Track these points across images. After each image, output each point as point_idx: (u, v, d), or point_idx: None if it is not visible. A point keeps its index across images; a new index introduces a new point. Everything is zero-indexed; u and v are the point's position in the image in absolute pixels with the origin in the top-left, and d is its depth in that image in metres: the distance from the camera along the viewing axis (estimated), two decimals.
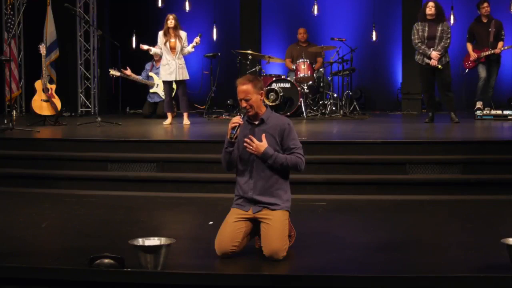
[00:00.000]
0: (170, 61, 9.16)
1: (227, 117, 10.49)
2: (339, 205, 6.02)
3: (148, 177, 6.78)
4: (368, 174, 6.63)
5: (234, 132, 4.26)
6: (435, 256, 4.35)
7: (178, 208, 6.06)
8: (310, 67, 10.46)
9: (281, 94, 10.04)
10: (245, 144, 4.24)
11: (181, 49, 9.17)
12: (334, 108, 10.52)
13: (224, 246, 4.20)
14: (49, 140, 7.84)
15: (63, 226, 5.35)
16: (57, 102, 9.62)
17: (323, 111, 10.47)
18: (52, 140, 7.86)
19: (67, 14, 10.44)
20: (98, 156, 7.14)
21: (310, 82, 10.53)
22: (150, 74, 10.88)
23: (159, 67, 9.78)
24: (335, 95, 10.73)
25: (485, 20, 10.04)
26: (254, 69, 10.46)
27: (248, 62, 10.68)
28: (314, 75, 10.62)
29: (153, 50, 9.47)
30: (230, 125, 4.28)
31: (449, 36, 8.88)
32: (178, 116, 10.09)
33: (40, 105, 9.54)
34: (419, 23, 8.99)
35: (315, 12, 12.24)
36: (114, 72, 10.55)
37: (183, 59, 9.25)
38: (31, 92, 9.87)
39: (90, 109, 12.00)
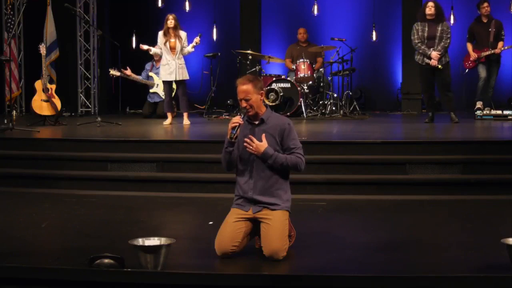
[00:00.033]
0: (170, 61, 9.16)
1: (227, 117, 10.49)
2: (339, 205, 6.02)
3: (148, 177, 6.77)
4: (368, 174, 6.63)
5: (234, 132, 4.26)
6: (435, 256, 4.35)
7: (178, 208, 6.06)
8: (310, 67, 10.46)
9: (281, 94, 10.04)
10: (245, 144, 4.24)
11: (181, 49, 9.17)
12: (334, 108, 10.52)
13: (224, 246, 4.20)
14: (49, 140, 7.84)
15: (63, 226, 5.34)
16: (57, 102, 9.62)
17: (323, 111, 10.47)
18: (52, 140, 7.87)
19: (67, 14, 10.44)
20: (98, 156, 7.14)
21: (310, 82, 10.53)
22: (150, 74, 10.88)
23: (159, 67, 9.78)
24: (335, 95, 10.73)
25: (485, 20, 10.03)
26: (254, 69, 10.46)
27: (248, 62, 10.68)
28: (314, 75, 10.62)
29: (153, 50, 9.47)
30: (230, 125, 4.28)
31: (449, 36, 8.89)
32: (178, 116, 10.09)
33: (40, 105, 9.54)
34: (419, 23, 8.99)
35: (315, 12, 12.24)
36: (114, 72, 10.55)
37: (183, 59, 9.25)
38: (31, 92, 9.88)
39: (90, 109, 12.00)
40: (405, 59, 11.88)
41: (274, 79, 10.27)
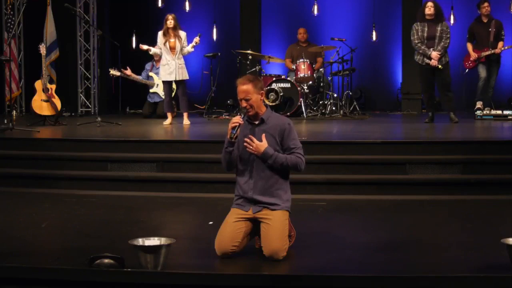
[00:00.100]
0: (170, 61, 9.16)
1: (227, 117, 10.49)
2: (339, 205, 6.02)
3: (148, 177, 6.77)
4: (368, 174, 6.63)
5: (234, 132, 4.26)
6: (435, 256, 4.35)
7: (178, 208, 6.06)
8: (310, 67, 10.46)
9: (281, 94, 10.04)
10: (245, 144, 4.24)
11: (181, 49, 9.17)
12: (334, 108, 10.52)
13: (224, 246, 4.20)
14: (49, 140, 7.84)
15: (63, 226, 5.34)
16: (57, 102, 9.62)
17: (323, 111, 10.47)
18: (52, 140, 7.87)
19: (67, 14, 10.44)
20: (98, 156, 7.14)
21: (310, 82, 10.53)
22: (150, 74, 10.88)
23: (159, 67, 9.78)
24: (335, 95, 10.73)
25: (485, 20, 10.03)
26: (254, 69, 10.46)
27: (248, 62, 10.68)
28: (314, 75, 10.62)
29: (153, 50, 9.47)
30: (230, 125, 4.28)
31: (448, 36, 8.89)
32: (178, 116, 10.09)
33: (40, 105, 9.54)
34: (418, 23, 8.99)
35: (315, 12, 12.24)
36: (114, 72, 10.55)
37: (182, 59, 9.25)
38: (31, 92, 9.88)
39: (90, 109, 12.00)
40: (405, 59, 11.88)
41: (274, 79, 10.27)
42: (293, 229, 4.46)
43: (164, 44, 9.16)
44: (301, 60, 10.47)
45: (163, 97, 9.98)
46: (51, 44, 10.63)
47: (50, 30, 10.75)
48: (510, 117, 9.71)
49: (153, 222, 5.53)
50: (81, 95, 12.03)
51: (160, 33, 9.25)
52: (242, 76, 4.64)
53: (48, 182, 6.81)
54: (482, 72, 10.02)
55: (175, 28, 9.19)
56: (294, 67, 10.68)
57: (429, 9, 8.90)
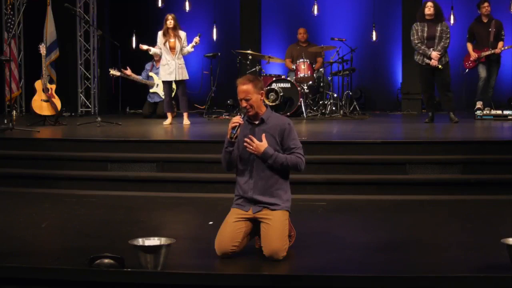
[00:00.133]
0: (170, 61, 9.16)
1: (227, 117, 10.49)
2: (339, 205, 6.02)
3: (148, 177, 6.77)
4: (368, 174, 6.62)
5: (234, 132, 4.26)
6: (435, 256, 4.35)
7: (178, 208, 6.06)
8: (310, 67, 10.46)
9: (281, 94, 10.04)
10: (245, 144, 4.24)
11: (181, 49, 9.17)
12: (334, 108, 10.52)
13: (224, 246, 4.20)
14: (49, 140, 7.84)
15: (63, 226, 5.34)
16: (57, 102, 9.62)
17: (323, 111, 10.47)
18: (52, 140, 7.87)
19: (67, 14, 10.44)
20: (98, 156, 7.14)
21: (310, 82, 10.53)
22: (150, 74, 10.88)
23: (159, 67, 9.78)
24: (335, 95, 10.73)
25: (485, 20, 10.03)
26: (254, 69, 10.46)
27: (248, 62, 10.68)
28: (314, 75, 10.62)
29: (153, 50, 9.47)
30: (230, 125, 4.28)
31: (448, 36, 8.89)
32: (178, 116, 10.09)
33: (40, 105, 9.54)
34: (418, 23, 8.99)
35: (315, 12, 12.24)
36: (114, 72, 10.55)
37: (182, 59, 9.25)
38: (31, 92, 9.88)
39: (90, 109, 12.00)
40: (405, 59, 11.88)
41: (274, 79, 10.27)
42: (293, 229, 4.46)
43: (164, 44, 9.16)
44: (301, 60, 10.47)
45: (163, 97, 9.98)
46: (51, 44, 10.63)
47: (50, 30, 10.75)
48: (510, 117, 9.71)
49: (153, 222, 5.53)
50: (81, 95, 12.03)
51: (160, 33, 9.25)
52: (242, 76, 4.64)
53: (48, 182, 6.81)
54: (482, 72, 10.02)
55: (175, 28, 9.19)
56: (294, 67, 10.68)
57: (429, 9, 8.90)
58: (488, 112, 9.85)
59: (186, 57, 9.38)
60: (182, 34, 9.25)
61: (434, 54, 8.82)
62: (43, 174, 6.94)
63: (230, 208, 4.39)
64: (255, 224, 4.29)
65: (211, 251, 4.24)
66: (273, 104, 9.89)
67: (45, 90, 9.56)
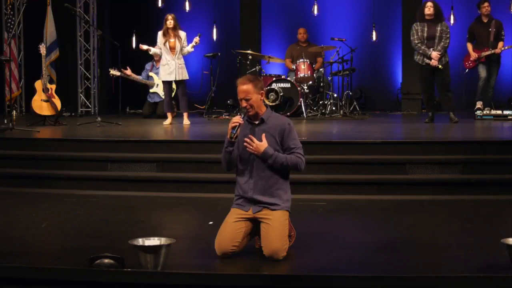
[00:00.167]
0: (170, 61, 9.16)
1: (227, 117, 10.49)
2: (339, 205, 6.02)
3: (148, 177, 6.77)
4: (368, 174, 6.62)
5: (234, 132, 4.26)
6: (435, 256, 4.35)
7: (178, 208, 6.06)
8: (310, 67, 10.46)
9: (281, 94, 10.04)
10: (245, 143, 4.24)
11: (181, 49, 9.17)
12: (334, 108, 10.52)
13: (224, 246, 4.20)
14: (49, 140, 7.84)
15: (63, 226, 5.34)
16: (57, 102, 9.62)
17: (323, 111, 10.47)
18: (52, 140, 7.87)
19: (67, 14, 10.44)
20: (98, 156, 7.14)
21: (310, 82, 10.53)
22: (150, 74, 10.88)
23: (159, 67, 9.78)
24: (335, 95, 10.73)
25: (485, 20, 10.03)
26: (254, 69, 10.46)
27: (248, 62, 10.68)
28: (314, 75, 10.62)
29: (153, 50, 9.47)
30: (230, 125, 4.28)
31: (448, 36, 8.89)
32: (178, 116, 10.10)
33: (40, 105, 9.54)
34: (418, 23, 8.99)
35: (315, 12, 12.24)
36: (114, 72, 10.55)
37: (182, 59, 9.25)
38: (31, 92, 9.88)
39: (90, 109, 12.00)
40: (405, 59, 11.88)
41: (274, 79, 10.27)
42: (293, 229, 4.46)
43: (164, 44, 9.16)
44: (301, 60, 10.47)
45: (163, 97, 9.98)
46: (51, 44, 10.63)
47: (50, 30, 10.75)
48: (510, 117, 9.71)
49: (153, 222, 5.53)
50: (81, 95, 12.03)
51: (160, 33, 9.25)
52: (242, 76, 4.64)
53: (48, 182, 6.81)
54: (482, 72, 10.02)
55: (175, 28, 9.19)
56: (294, 67, 10.68)
57: (429, 9, 8.90)
58: (488, 112, 9.85)
59: (186, 57, 9.38)
60: (182, 34, 9.25)
61: (434, 54, 8.82)
62: (43, 174, 6.94)
63: (230, 208, 4.39)
64: (255, 224, 4.29)
65: (211, 251, 4.24)
66: (273, 104, 9.89)
67: (45, 90, 9.56)
